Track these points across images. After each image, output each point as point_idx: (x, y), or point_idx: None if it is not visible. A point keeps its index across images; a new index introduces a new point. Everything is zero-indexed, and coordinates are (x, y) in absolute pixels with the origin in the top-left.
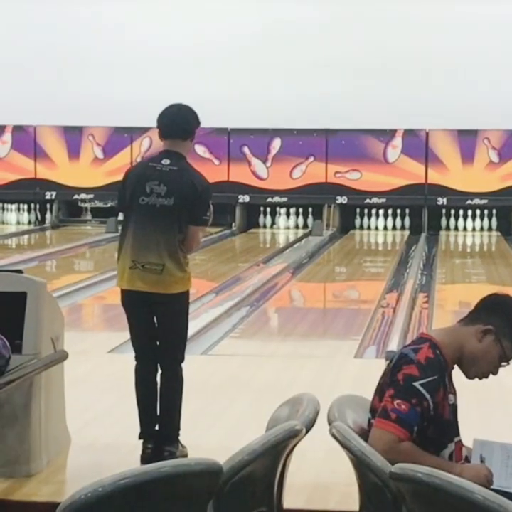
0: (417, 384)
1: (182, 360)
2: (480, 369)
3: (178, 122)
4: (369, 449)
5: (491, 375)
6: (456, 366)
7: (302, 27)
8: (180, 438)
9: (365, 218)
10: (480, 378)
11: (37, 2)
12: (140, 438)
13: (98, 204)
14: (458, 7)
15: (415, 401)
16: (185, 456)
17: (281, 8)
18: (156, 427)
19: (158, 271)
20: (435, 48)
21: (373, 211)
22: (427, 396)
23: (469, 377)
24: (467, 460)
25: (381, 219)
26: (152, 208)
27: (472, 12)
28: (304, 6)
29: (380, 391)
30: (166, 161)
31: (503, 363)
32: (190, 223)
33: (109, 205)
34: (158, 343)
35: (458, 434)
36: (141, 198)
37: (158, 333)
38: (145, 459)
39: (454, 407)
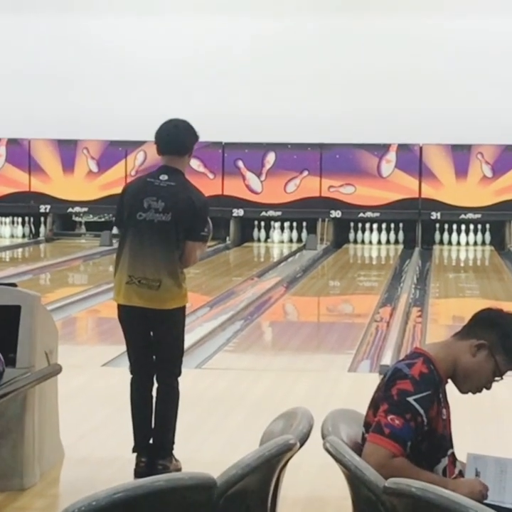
0: (411, 399)
1: (178, 374)
2: (473, 384)
3: (176, 138)
4: (363, 463)
5: (484, 390)
6: (449, 380)
7: (296, 42)
8: (174, 452)
9: (359, 232)
10: (473, 393)
11: (31, 15)
12: (134, 451)
13: (93, 219)
14: (451, 22)
15: (409, 416)
16: (179, 470)
17: (275, 24)
18: (150, 441)
19: (155, 286)
20: (429, 63)
21: (367, 225)
22: (421, 411)
23: (463, 391)
24: (461, 474)
25: (375, 233)
26: (150, 224)
27: (465, 28)
28: (297, 22)
29: (374, 405)
30: (163, 177)
31: (496, 378)
32: (188, 239)
33: (103, 219)
34: (154, 357)
35: (451, 447)
36: (139, 213)
37: (155, 348)
38: (139, 473)
39: (447, 422)
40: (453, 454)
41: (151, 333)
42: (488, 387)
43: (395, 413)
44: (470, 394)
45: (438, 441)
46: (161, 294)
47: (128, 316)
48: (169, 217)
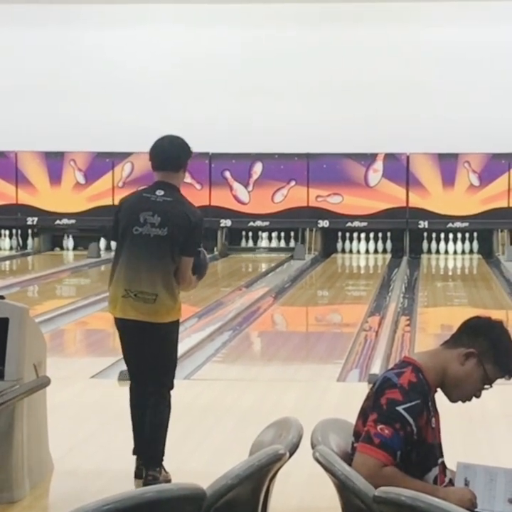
0: (400, 408)
1: (171, 387)
2: (463, 392)
3: (170, 155)
4: (353, 472)
5: (474, 398)
6: (439, 389)
7: (283, 52)
8: (164, 463)
9: (347, 242)
10: (463, 401)
11: (18, 27)
12: (134, 453)
13: (79, 234)
14: (438, 32)
15: (398, 426)
16: (169, 481)
17: (262, 34)
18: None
19: (151, 300)
20: (416, 73)
21: (355, 235)
22: (411, 420)
23: (452, 400)
24: (451, 482)
25: (363, 242)
26: (146, 238)
27: (452, 37)
28: (284, 33)
29: (363, 415)
30: (159, 192)
31: (486, 386)
32: (183, 254)
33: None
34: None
35: (442, 456)
36: (135, 227)
37: (148, 360)
38: (139, 475)
39: (436, 431)
40: (443, 462)
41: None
42: (478, 396)
43: (384, 423)
44: (459, 403)
45: (428, 450)
46: (157, 307)
47: (123, 328)
48: (165, 231)
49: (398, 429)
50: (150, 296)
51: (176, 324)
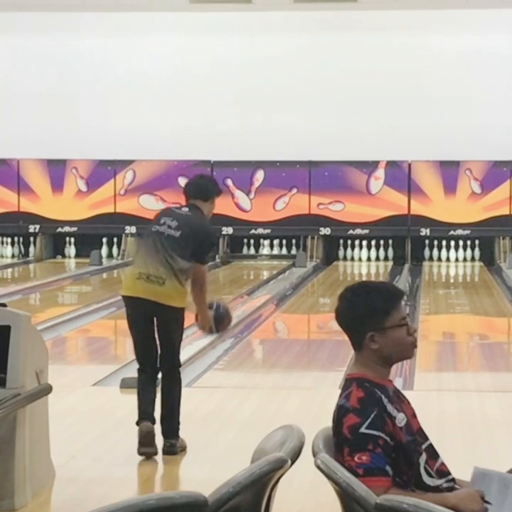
0: (363, 430)
1: (179, 365)
2: (405, 349)
3: (201, 188)
4: (354, 480)
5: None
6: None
7: (285, 61)
8: (166, 464)
9: (349, 249)
10: (415, 347)
11: (19, 35)
12: (138, 423)
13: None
14: (439, 40)
15: (371, 446)
16: (185, 447)
17: (265, 42)
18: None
19: (161, 283)
20: (417, 81)
21: (357, 242)
22: (378, 434)
23: (410, 357)
24: (439, 471)
25: (364, 250)
26: (161, 235)
27: (453, 46)
28: (286, 41)
29: (338, 451)
30: (185, 209)
31: (405, 322)
32: (196, 260)
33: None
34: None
35: (426, 439)
36: (155, 226)
37: (156, 341)
38: (144, 431)
39: (410, 423)
40: (430, 445)
41: (155, 330)
42: (413, 333)
43: (357, 451)
44: (461, 413)
45: (407, 448)
46: (164, 290)
47: (133, 308)
48: (178, 234)
49: (372, 448)
50: (159, 279)
51: (181, 311)
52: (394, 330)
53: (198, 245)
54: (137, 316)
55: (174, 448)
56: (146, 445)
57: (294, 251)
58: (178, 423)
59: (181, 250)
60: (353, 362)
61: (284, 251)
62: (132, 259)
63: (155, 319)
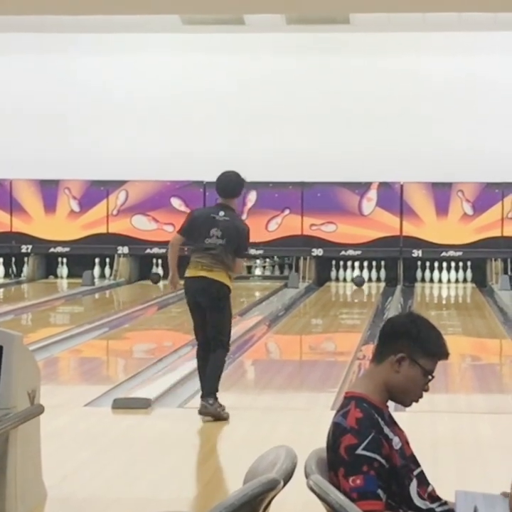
0: (359, 451)
1: (229, 338)
2: (412, 395)
3: (230, 187)
4: (347, 501)
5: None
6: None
7: (278, 81)
8: (159, 490)
9: (341, 270)
10: (416, 401)
11: (12, 54)
12: (202, 397)
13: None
14: (432, 62)
15: (366, 468)
16: (217, 414)
17: (257, 63)
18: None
19: (214, 267)
20: (410, 102)
21: (349, 263)
22: (374, 456)
23: (407, 405)
24: (431, 496)
25: (357, 271)
26: (213, 245)
27: (446, 66)
28: (279, 62)
29: (331, 468)
30: (221, 213)
31: (429, 377)
32: (237, 256)
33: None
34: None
35: (418, 466)
36: (207, 239)
37: (210, 316)
38: (205, 410)
39: (403, 448)
40: (422, 472)
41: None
42: (427, 390)
43: (352, 474)
44: (452, 434)
45: (400, 472)
46: (217, 271)
47: (192, 285)
48: (224, 241)
49: (367, 471)
50: (213, 265)
51: (229, 291)
52: (418, 371)
53: (238, 243)
54: (196, 293)
55: (207, 410)
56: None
57: (286, 272)
58: (217, 388)
59: (226, 252)
60: (360, 377)
61: (277, 272)
62: (190, 261)
63: (210, 292)
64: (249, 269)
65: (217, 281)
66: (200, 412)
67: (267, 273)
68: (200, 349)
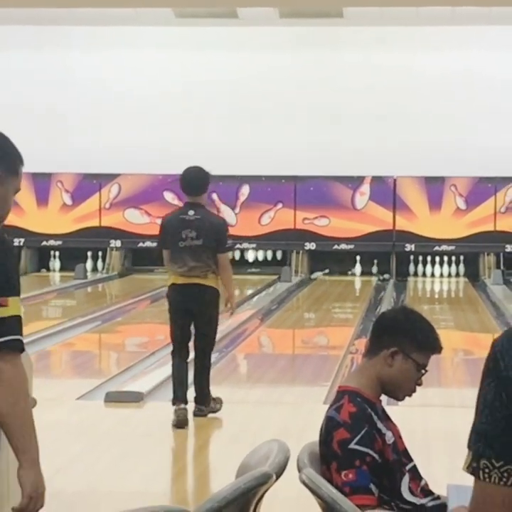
0: (352, 446)
1: (213, 345)
2: (405, 389)
3: (196, 186)
4: (339, 495)
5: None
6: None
7: (271, 75)
8: (149, 482)
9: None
10: (410, 396)
11: (8, 50)
12: (174, 404)
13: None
14: (425, 57)
15: (358, 462)
16: (216, 411)
17: (250, 58)
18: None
19: (199, 273)
20: (402, 97)
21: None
22: (367, 450)
23: (400, 399)
24: (424, 491)
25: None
26: (187, 248)
27: (438, 62)
28: (272, 56)
29: (324, 461)
30: (191, 213)
31: (422, 372)
32: (219, 252)
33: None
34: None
35: (410, 461)
36: (180, 242)
37: (193, 322)
38: (179, 417)
39: (396, 442)
40: (414, 467)
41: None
42: (420, 384)
43: (345, 468)
44: (445, 429)
45: (392, 467)
46: (203, 276)
47: (178, 290)
48: (200, 242)
49: (359, 465)
50: (198, 271)
51: (217, 294)
52: (411, 365)
53: (217, 240)
54: (181, 297)
55: (202, 413)
56: None
57: (279, 266)
58: (208, 392)
59: (206, 252)
60: (353, 371)
61: (270, 266)
62: (167, 266)
63: (196, 296)
64: (242, 263)
65: (205, 287)
66: (195, 415)
67: (260, 258)
68: (177, 354)
